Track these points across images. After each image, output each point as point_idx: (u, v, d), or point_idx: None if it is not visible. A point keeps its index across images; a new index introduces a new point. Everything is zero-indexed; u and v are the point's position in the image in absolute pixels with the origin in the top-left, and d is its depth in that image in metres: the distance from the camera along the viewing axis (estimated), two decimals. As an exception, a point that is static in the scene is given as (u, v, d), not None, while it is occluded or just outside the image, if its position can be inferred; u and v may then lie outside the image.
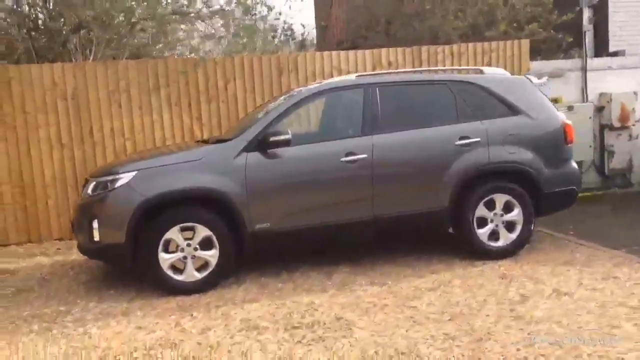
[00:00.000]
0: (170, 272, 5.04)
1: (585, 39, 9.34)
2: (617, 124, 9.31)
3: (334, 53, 8.39)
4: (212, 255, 5.10)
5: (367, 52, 8.42)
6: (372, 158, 5.33)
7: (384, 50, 8.47)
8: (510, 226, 5.68)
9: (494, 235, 5.66)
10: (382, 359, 3.64)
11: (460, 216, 5.56)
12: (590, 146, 9.26)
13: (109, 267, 5.92)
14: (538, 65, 9.17)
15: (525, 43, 8.97)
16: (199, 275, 5.10)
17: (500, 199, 5.62)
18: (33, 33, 8.17)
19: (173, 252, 5.05)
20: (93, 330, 4.35)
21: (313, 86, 5.75)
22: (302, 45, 11.77)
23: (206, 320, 4.45)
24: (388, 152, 5.40)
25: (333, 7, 14.13)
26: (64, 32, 7.75)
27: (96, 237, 5.05)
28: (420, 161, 5.48)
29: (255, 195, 5.12)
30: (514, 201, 5.63)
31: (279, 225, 5.21)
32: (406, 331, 4.05)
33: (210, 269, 5.11)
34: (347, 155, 5.30)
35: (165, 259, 5.01)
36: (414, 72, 6.64)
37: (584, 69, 9.31)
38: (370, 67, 8.34)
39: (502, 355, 3.59)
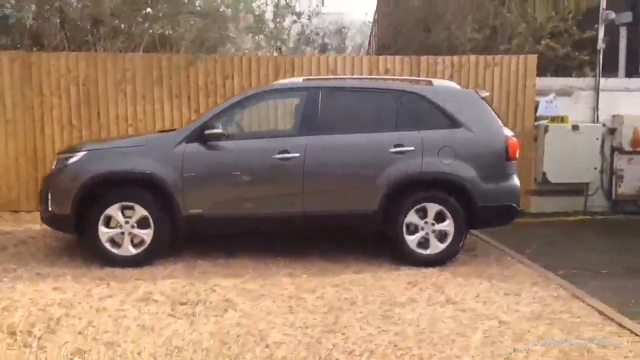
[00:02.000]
0: (108, 245, 5.59)
1: (599, 57, 9.04)
2: (628, 148, 8.97)
3: (330, 56, 8.70)
4: (147, 234, 5.60)
5: (365, 57, 8.69)
6: (303, 157, 5.62)
7: (382, 57, 8.68)
8: (442, 236, 5.78)
9: (426, 243, 5.79)
10: (229, 336, 3.97)
11: (390, 221, 5.73)
12: (596, 168, 8.98)
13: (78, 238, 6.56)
14: (546, 81, 9.01)
15: (532, 58, 8.85)
16: (134, 251, 5.61)
17: (432, 208, 5.74)
18: (65, 25, 9.04)
19: (113, 227, 5.59)
20: (19, 287, 4.97)
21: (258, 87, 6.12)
22: (324, 48, 12.11)
23: (116, 289, 4.94)
24: (319, 153, 5.67)
25: (376, 12, 14.42)
26: (85, 25, 8.56)
27: (50, 207, 5.70)
28: (351, 164, 5.71)
29: (190, 183, 5.57)
30: (446, 212, 5.73)
31: (211, 211, 5.63)
32: (274, 318, 4.34)
33: (144, 246, 5.61)
34: (280, 152, 5.63)
35: (104, 232, 5.56)
36: (362, 79, 6.85)
37: (596, 89, 9.03)
38: (367, 72, 8.56)
39: (333, 345, 3.83)
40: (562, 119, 8.93)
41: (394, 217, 5.71)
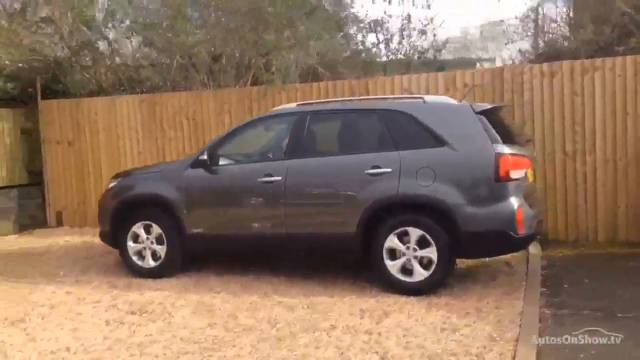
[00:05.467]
0: (135, 258, 6.47)
1: None
2: None
3: (404, 77, 8.49)
4: (161, 250, 6.34)
5: (440, 74, 8.27)
6: (284, 180, 5.79)
7: (458, 72, 8.18)
8: (427, 262, 5.39)
9: (412, 270, 5.45)
10: (124, 344, 4.45)
11: (370, 245, 5.55)
12: None
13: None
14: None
15: (644, 59, 7.43)
16: (153, 264, 6.40)
17: (414, 232, 5.38)
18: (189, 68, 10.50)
19: (138, 243, 6.46)
20: (48, 289, 6.11)
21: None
22: (441, 67, 11.47)
23: (107, 296, 5.75)
24: (299, 176, 5.77)
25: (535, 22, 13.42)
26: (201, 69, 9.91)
27: (100, 226, 6.84)
28: (328, 186, 5.71)
29: (191, 204, 6.17)
30: (428, 237, 5.33)
31: (208, 231, 6.15)
32: (183, 332, 4.67)
33: (160, 261, 6.36)
34: (265, 176, 5.89)
35: (131, 246, 6.47)
36: (352, 100, 6.65)
37: None
38: (443, 90, 8.15)
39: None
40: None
41: (374, 240, 5.51)
